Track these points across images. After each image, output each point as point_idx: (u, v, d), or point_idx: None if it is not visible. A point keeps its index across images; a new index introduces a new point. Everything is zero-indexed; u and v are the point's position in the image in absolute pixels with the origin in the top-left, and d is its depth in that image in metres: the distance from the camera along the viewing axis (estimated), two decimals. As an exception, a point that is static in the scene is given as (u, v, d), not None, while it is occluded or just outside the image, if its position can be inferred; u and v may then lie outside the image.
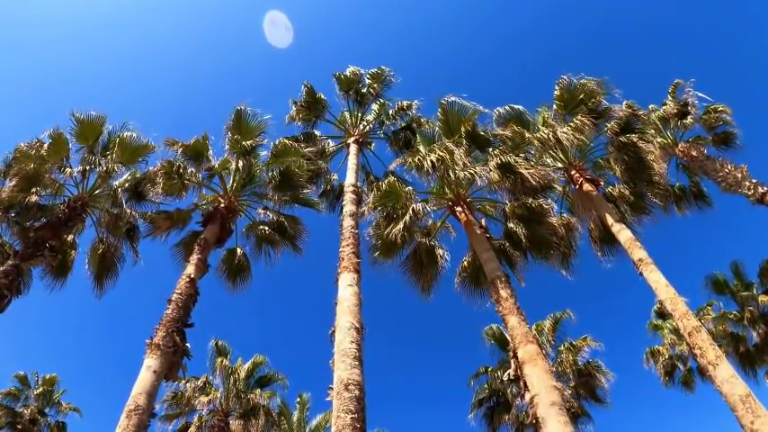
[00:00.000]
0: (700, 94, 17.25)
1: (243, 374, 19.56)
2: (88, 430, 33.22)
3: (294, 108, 17.36)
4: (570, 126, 13.64)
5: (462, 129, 14.01)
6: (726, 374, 9.25)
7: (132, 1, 37.32)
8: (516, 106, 15.07)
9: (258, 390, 19.36)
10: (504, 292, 10.68)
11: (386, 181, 13.82)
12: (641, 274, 11.73)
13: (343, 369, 7.30)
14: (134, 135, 14.43)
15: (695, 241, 38.93)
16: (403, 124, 17.70)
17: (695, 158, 17.02)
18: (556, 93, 14.83)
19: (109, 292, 14.82)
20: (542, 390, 8.40)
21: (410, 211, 12.64)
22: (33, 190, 13.12)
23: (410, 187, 14.17)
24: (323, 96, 17.42)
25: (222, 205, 13.82)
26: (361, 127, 17.24)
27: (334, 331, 8.33)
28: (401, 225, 12.65)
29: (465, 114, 14.24)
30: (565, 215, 15.24)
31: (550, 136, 13.40)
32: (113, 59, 38.94)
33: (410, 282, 14.66)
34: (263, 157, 15.08)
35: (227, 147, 14.62)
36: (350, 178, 13.53)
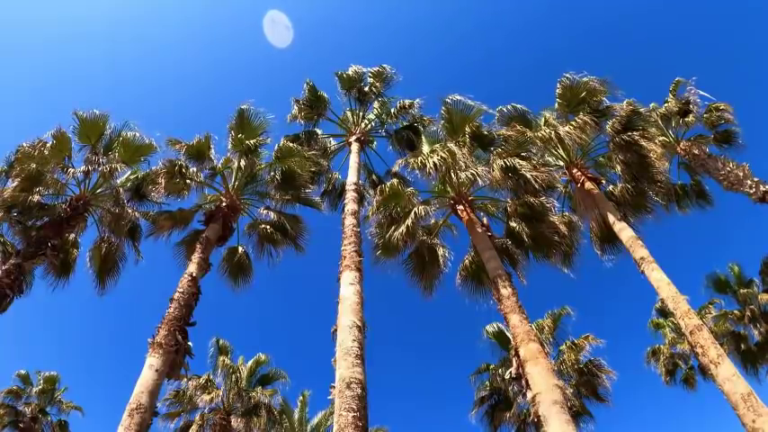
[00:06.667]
0: (701, 93, 17.26)
1: (245, 373, 19.58)
2: (90, 429, 33.37)
3: (296, 106, 17.34)
4: (572, 124, 13.65)
5: (467, 128, 14.03)
6: (727, 373, 9.26)
7: (133, 1, 37.33)
8: (519, 105, 15.19)
9: (260, 388, 19.38)
10: (505, 291, 10.70)
11: (388, 183, 13.89)
12: (643, 272, 11.75)
13: (345, 367, 7.32)
14: (136, 134, 14.46)
15: (697, 240, 38.95)
16: (405, 123, 17.70)
17: (697, 157, 17.00)
18: (558, 91, 14.84)
19: (111, 291, 14.93)
20: (544, 388, 8.41)
21: (412, 215, 12.72)
22: (35, 190, 13.16)
23: (412, 188, 14.27)
24: (324, 94, 17.41)
25: (224, 204, 13.85)
26: (363, 125, 17.24)
27: (336, 330, 8.34)
28: (403, 228, 12.74)
29: (469, 113, 14.27)
30: (566, 213, 15.25)
31: (552, 134, 13.42)
32: (114, 59, 38.97)
33: (412, 280, 14.71)
34: (265, 157, 15.12)
35: (229, 146, 14.70)
36: (351, 177, 13.54)
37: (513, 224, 14.26)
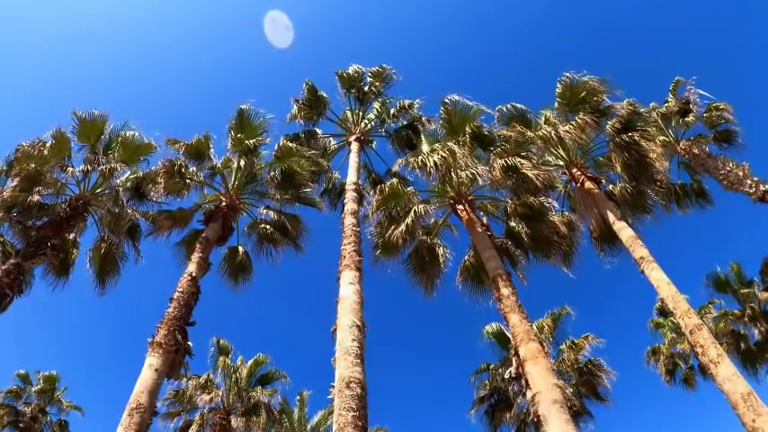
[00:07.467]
0: (701, 92, 17.25)
1: (244, 372, 19.59)
2: (90, 429, 33.39)
3: (296, 106, 17.35)
4: (572, 124, 13.62)
5: (467, 128, 14.02)
6: (727, 372, 9.25)
7: (133, 0, 37.31)
8: (519, 105, 15.16)
9: (259, 387, 19.39)
10: (505, 290, 10.70)
11: (388, 183, 13.90)
12: (643, 272, 11.73)
13: (345, 367, 7.31)
14: (135, 134, 14.46)
15: (697, 240, 38.93)
16: (404, 123, 17.71)
17: (697, 156, 17.00)
18: (558, 90, 14.81)
19: (111, 291, 14.92)
20: (544, 388, 8.40)
21: (412, 213, 12.72)
22: (35, 189, 13.16)
23: (412, 187, 14.27)
24: (324, 94, 17.42)
25: (224, 204, 13.85)
26: (363, 125, 17.24)
27: (335, 329, 8.33)
28: (403, 227, 12.75)
29: (468, 113, 14.27)
30: (566, 213, 15.24)
31: (552, 134, 13.41)
32: (114, 59, 38.97)
33: (412, 280, 14.73)
34: (265, 156, 15.12)
35: (229, 145, 14.70)
36: (351, 176, 13.54)
37: (512, 224, 14.26)
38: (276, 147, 14.66)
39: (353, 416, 6.55)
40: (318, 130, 17.82)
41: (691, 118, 17.37)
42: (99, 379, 37.48)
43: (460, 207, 13.63)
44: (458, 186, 13.87)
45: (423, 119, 17.31)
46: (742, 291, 20.53)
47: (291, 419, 19.85)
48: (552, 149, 14.88)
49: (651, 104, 17.87)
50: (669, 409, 40.58)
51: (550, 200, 14.21)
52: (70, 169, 13.63)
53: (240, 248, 15.55)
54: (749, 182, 15.38)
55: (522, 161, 12.87)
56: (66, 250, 14.40)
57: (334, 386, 7.35)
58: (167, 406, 18.54)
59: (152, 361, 9.13)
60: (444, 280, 14.81)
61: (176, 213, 14.53)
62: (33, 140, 13.37)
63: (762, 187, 15.09)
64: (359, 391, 6.94)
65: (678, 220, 18.73)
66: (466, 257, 14.82)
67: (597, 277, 35.23)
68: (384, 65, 17.60)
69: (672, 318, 17.92)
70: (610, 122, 14.48)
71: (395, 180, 14.14)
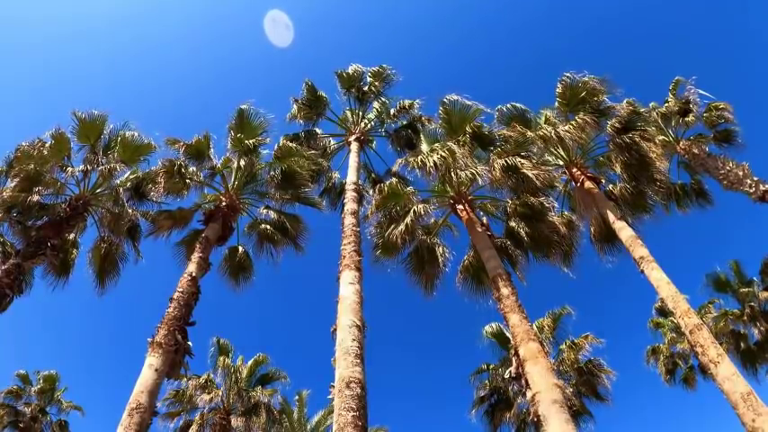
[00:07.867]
0: (701, 92, 17.26)
1: (244, 372, 19.60)
2: (90, 429, 33.39)
3: (295, 106, 17.34)
4: (572, 124, 13.63)
5: (467, 128, 14.02)
6: (727, 372, 9.25)
7: (133, 0, 37.30)
8: (518, 105, 15.17)
9: (259, 387, 19.40)
10: (505, 290, 10.69)
11: (388, 183, 13.90)
12: (642, 271, 11.73)
13: (345, 367, 7.31)
14: (135, 134, 14.47)
15: (697, 239, 38.93)
16: (404, 123, 17.70)
17: (697, 156, 17.01)
18: (558, 90, 14.81)
19: (111, 291, 14.93)
20: (544, 387, 8.40)
21: (411, 213, 12.73)
22: (35, 189, 13.17)
23: (411, 187, 14.29)
24: (324, 94, 17.40)
25: (224, 204, 13.84)
26: (363, 125, 17.24)
27: (335, 329, 8.33)
28: (403, 227, 12.75)
29: (468, 113, 14.25)
30: (566, 213, 15.24)
31: (552, 134, 13.41)
32: (114, 59, 38.95)
33: (412, 280, 14.72)
34: (265, 156, 15.12)
35: (229, 145, 14.70)
36: (351, 176, 13.54)
37: (512, 224, 14.25)
38: (276, 147, 14.67)
39: (353, 416, 6.56)
40: (318, 130, 17.82)
41: (691, 118, 17.38)
42: (99, 379, 37.53)
43: (460, 207, 13.63)
44: (457, 186, 13.87)
45: (423, 118, 17.30)
46: (742, 290, 20.54)
47: (291, 419, 19.85)
48: (552, 149, 14.88)
49: (651, 104, 17.89)
50: (669, 409, 40.63)
51: (550, 200, 14.21)
52: (70, 169, 13.65)
53: (240, 248, 15.55)
54: (749, 182, 15.39)
55: (522, 161, 12.86)
56: (66, 250, 14.40)
57: (334, 386, 7.36)
58: (167, 406, 18.57)
59: (152, 361, 9.13)
60: (444, 280, 14.82)
61: (176, 213, 14.53)
62: (33, 140, 13.39)
63: (762, 187, 15.09)
64: (359, 391, 6.94)
65: (678, 219, 18.77)
66: (466, 257, 14.81)
67: (597, 277, 35.25)
68: (384, 65, 17.62)
69: (672, 317, 17.94)
70: (610, 122, 14.48)
71: (395, 180, 14.15)
